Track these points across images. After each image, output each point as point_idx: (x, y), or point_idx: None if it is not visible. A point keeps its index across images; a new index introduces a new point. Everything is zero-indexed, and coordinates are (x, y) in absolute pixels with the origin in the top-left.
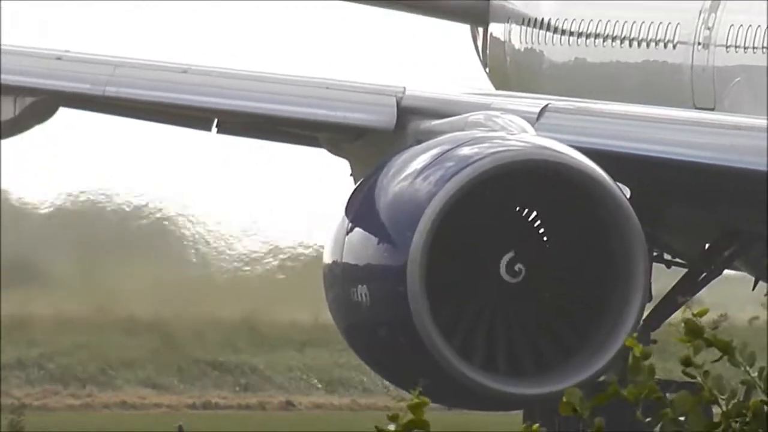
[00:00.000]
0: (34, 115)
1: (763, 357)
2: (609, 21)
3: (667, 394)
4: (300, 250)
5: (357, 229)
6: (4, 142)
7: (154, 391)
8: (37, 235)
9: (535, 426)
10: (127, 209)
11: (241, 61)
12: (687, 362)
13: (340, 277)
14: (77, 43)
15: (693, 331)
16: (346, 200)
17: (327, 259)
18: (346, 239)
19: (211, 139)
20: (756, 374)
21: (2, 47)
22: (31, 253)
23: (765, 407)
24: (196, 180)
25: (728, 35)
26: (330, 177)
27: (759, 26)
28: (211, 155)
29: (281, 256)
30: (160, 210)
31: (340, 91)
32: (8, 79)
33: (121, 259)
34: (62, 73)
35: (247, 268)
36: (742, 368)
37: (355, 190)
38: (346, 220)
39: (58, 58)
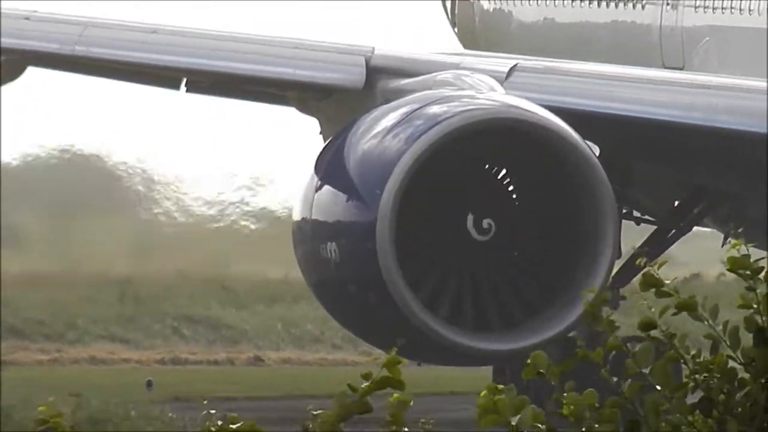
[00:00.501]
0: (4, 74)
1: (731, 312)
2: None
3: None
4: (270, 207)
5: (326, 187)
6: None
7: (123, 346)
8: (7, 194)
9: (500, 386)
10: (97, 167)
11: (209, 21)
12: (646, 326)
13: (310, 234)
14: (47, 5)
15: (650, 284)
16: (315, 158)
17: (296, 216)
18: (315, 196)
19: (181, 98)
20: (720, 328)
21: None
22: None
23: (729, 362)
24: (166, 138)
25: None
26: (299, 135)
27: None
28: (180, 114)
29: (250, 212)
30: (128, 168)
31: (308, 51)
32: None
33: (91, 217)
34: (31, 33)
35: (216, 224)
36: (705, 323)
37: (324, 148)
38: (315, 178)
39: (27, 18)
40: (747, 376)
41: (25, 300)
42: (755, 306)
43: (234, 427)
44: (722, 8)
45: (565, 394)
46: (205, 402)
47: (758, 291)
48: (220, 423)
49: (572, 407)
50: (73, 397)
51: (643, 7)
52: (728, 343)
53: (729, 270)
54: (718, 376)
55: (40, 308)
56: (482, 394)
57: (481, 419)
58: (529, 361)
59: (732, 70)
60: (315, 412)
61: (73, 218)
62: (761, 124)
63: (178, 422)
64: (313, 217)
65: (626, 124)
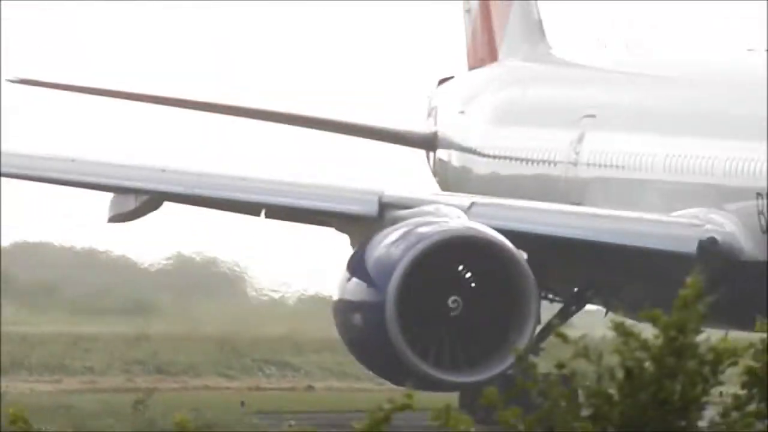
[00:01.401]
0: (148, 207)
1: (611, 357)
2: (514, 148)
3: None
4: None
5: (354, 279)
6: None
7: (225, 379)
8: (148, 284)
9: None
10: (211, 262)
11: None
12: (559, 366)
13: (342, 310)
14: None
15: (560, 337)
16: (347, 261)
17: (335, 298)
18: (347, 286)
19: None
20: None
21: (126, 164)
22: (144, 294)
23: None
24: (255, 241)
25: (591, 156)
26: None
27: (605, 152)
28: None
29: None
30: (228, 263)
31: (344, 192)
32: (130, 184)
33: (204, 296)
34: (165, 179)
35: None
36: (594, 366)
37: (353, 254)
38: (347, 273)
39: (163, 170)
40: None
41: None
42: (627, 353)
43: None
44: (604, 166)
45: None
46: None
47: (637, 350)
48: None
49: (509, 419)
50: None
51: (555, 165)
52: (607, 377)
53: (612, 329)
54: (601, 398)
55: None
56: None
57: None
58: (484, 395)
59: (612, 205)
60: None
61: (192, 299)
62: (632, 240)
63: (262, 427)
64: (346, 298)
65: (544, 239)
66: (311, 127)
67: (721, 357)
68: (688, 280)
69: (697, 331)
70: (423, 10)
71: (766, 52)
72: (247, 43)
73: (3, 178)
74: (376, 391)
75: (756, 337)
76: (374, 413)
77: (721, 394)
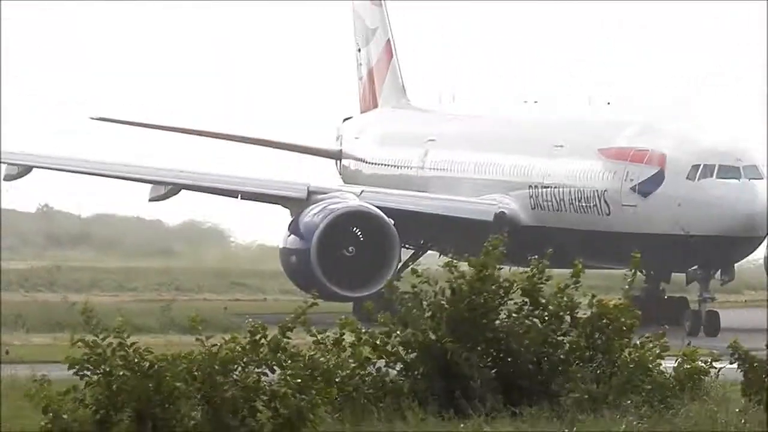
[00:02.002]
0: (172, 192)
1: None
2: (387, 159)
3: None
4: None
5: (292, 235)
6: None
7: (214, 294)
8: (171, 236)
9: (351, 319)
10: (209, 223)
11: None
12: (413, 287)
13: (285, 254)
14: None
15: (414, 273)
16: (288, 224)
17: (280, 246)
18: (287, 239)
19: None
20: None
21: (159, 167)
22: (168, 243)
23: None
24: (235, 211)
25: (432, 164)
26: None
27: (440, 161)
28: None
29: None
30: (219, 224)
31: (288, 184)
32: (161, 179)
33: (203, 245)
34: (181, 176)
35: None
36: (431, 289)
37: (292, 220)
38: (287, 231)
39: (181, 171)
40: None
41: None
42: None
43: None
44: (442, 169)
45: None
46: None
47: (458, 278)
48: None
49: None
50: None
51: (411, 168)
52: (440, 293)
53: (443, 266)
54: (436, 306)
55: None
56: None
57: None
58: (363, 305)
59: (444, 193)
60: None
61: None
62: (455, 213)
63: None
64: (287, 246)
65: (404, 212)
66: (270, 146)
67: (510, 283)
68: (491, 237)
69: (495, 267)
70: (335, 82)
71: (535, 102)
72: (217, 88)
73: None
74: (302, 301)
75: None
76: (297, 309)
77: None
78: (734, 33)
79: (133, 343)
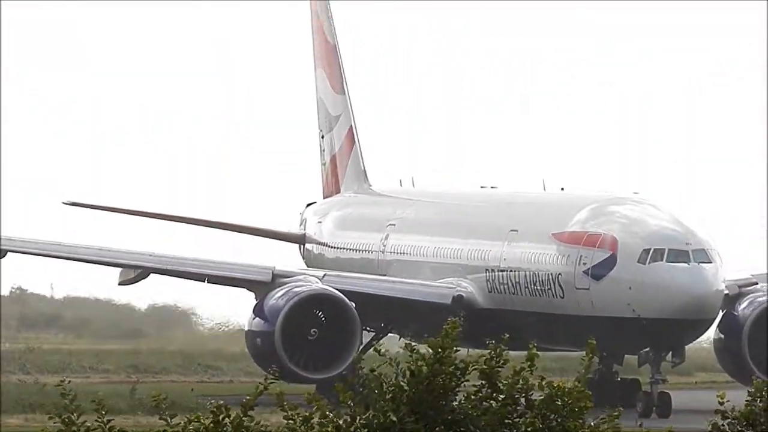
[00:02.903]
0: (141, 276)
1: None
2: (349, 243)
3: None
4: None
5: (257, 318)
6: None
7: (182, 376)
8: (140, 319)
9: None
10: (176, 307)
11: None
12: (372, 369)
13: (250, 336)
14: (48, 5)
15: (377, 353)
16: (252, 307)
17: (245, 329)
18: (252, 321)
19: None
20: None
21: (129, 251)
22: (138, 325)
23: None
24: (201, 295)
25: (392, 248)
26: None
27: (400, 245)
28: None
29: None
30: (186, 307)
31: (251, 267)
32: (131, 263)
33: (171, 328)
34: (151, 260)
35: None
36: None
37: (256, 303)
38: (252, 314)
39: (150, 255)
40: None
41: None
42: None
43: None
44: (400, 253)
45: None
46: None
47: (418, 360)
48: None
49: (346, 399)
50: None
51: (371, 252)
52: (400, 375)
53: (403, 347)
54: (397, 387)
55: None
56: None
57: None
58: (335, 386)
59: (404, 276)
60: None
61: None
62: (414, 296)
63: (202, 403)
64: (252, 329)
65: (365, 295)
66: (235, 231)
67: (467, 365)
68: (449, 319)
69: (452, 349)
70: (299, 167)
71: (492, 187)
72: (186, 174)
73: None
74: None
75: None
76: (257, 387)
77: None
78: (734, 33)
79: (109, 420)
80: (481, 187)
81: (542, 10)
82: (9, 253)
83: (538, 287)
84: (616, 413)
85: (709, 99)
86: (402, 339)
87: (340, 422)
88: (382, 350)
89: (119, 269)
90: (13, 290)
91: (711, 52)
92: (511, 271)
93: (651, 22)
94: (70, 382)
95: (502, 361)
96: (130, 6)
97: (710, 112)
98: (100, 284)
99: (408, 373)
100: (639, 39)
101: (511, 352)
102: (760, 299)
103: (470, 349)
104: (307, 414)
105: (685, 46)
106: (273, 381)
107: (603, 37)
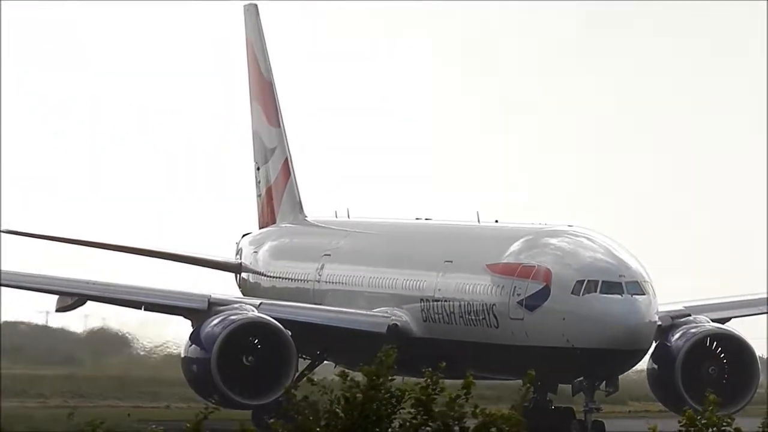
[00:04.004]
0: (79, 303)
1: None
2: (284, 272)
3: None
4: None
5: (193, 345)
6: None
7: (119, 401)
8: (77, 344)
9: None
10: (113, 331)
11: None
12: (305, 397)
13: (186, 363)
14: (48, 6)
15: (309, 381)
16: (189, 334)
17: (182, 355)
18: (189, 349)
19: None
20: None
21: (67, 278)
22: (75, 351)
23: None
24: (138, 322)
25: (327, 277)
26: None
27: (336, 275)
28: None
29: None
30: (123, 332)
31: (189, 295)
32: (69, 290)
33: (108, 353)
34: (88, 288)
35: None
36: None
37: (193, 330)
38: (189, 341)
39: (87, 282)
40: None
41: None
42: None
43: None
44: (334, 283)
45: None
46: None
47: (352, 387)
48: None
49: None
50: None
51: (307, 282)
52: (335, 402)
53: (338, 375)
54: (331, 414)
55: None
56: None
57: None
58: (283, 404)
59: (339, 305)
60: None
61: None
62: (349, 325)
63: (140, 428)
64: (189, 356)
65: (301, 323)
66: (172, 259)
67: (402, 393)
68: (384, 348)
69: (387, 377)
70: (236, 198)
71: (427, 219)
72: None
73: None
74: (204, 407)
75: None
76: (198, 414)
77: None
78: (733, 33)
79: None
80: (416, 218)
81: (472, 43)
82: None
83: (473, 317)
84: None
85: (643, 131)
86: (337, 366)
87: None
88: (316, 379)
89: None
90: None
91: (635, 86)
92: (445, 301)
93: (585, 51)
94: None
95: (438, 389)
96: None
97: (644, 144)
98: (37, 310)
99: (342, 400)
100: (571, 69)
101: (446, 381)
102: (693, 330)
103: (405, 378)
104: None
105: (610, 76)
106: (213, 410)
107: (533, 68)
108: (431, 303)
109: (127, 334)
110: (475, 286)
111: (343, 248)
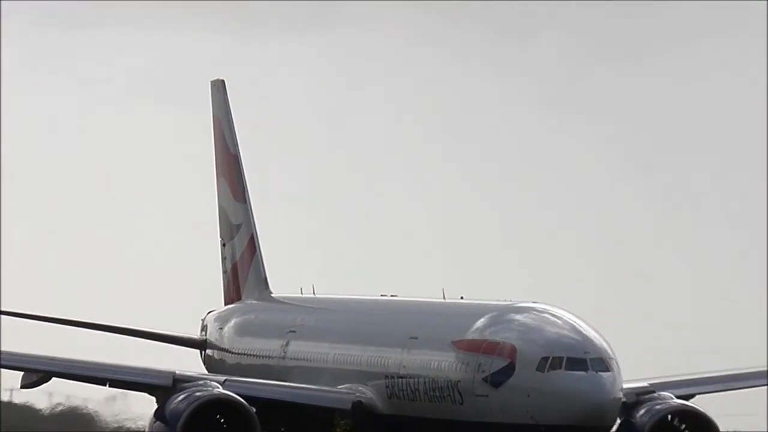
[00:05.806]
0: (44, 380)
1: None
2: (249, 349)
3: None
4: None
5: (158, 421)
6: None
7: None
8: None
9: None
10: (77, 408)
11: None
12: None
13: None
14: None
15: None
16: (154, 411)
17: (147, 431)
18: (153, 425)
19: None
20: None
21: (32, 355)
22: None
23: None
24: (102, 398)
25: (292, 354)
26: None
27: (301, 352)
28: None
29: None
30: (88, 409)
31: (158, 373)
32: (33, 366)
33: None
34: (52, 364)
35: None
36: None
37: (158, 407)
38: (153, 418)
39: (51, 359)
40: None
41: None
42: None
43: None
44: (304, 359)
45: None
46: None
47: None
48: None
49: None
50: None
51: (271, 358)
52: None
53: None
54: None
55: None
56: None
57: None
58: None
59: (305, 382)
60: None
61: None
62: (315, 402)
63: None
64: (152, 430)
65: (265, 400)
66: (137, 336)
67: None
68: (341, 421)
69: None
70: (200, 275)
71: (393, 296)
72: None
73: None
74: None
75: None
76: None
77: None
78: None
79: None
80: (382, 295)
81: (433, 114)
82: None
83: (438, 393)
84: None
85: (603, 198)
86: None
87: None
88: None
89: (21, 373)
90: None
91: (591, 159)
92: (410, 377)
93: (540, 121)
94: None
95: None
96: None
97: (606, 223)
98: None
99: None
100: (533, 136)
101: None
102: (657, 407)
103: None
104: None
105: (565, 152)
106: None
107: (495, 141)
108: (396, 380)
109: (91, 412)
110: (440, 363)
111: (308, 325)
